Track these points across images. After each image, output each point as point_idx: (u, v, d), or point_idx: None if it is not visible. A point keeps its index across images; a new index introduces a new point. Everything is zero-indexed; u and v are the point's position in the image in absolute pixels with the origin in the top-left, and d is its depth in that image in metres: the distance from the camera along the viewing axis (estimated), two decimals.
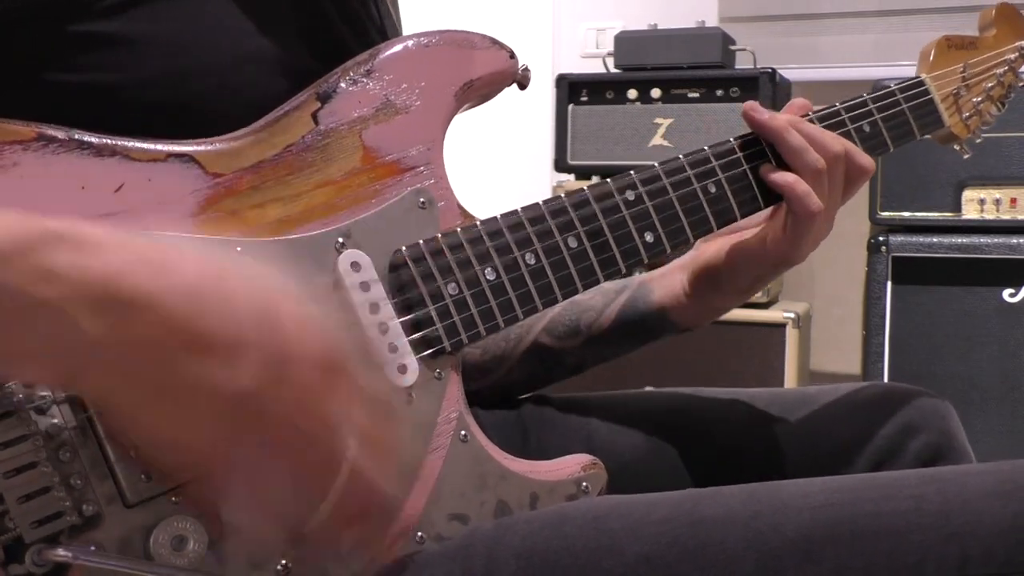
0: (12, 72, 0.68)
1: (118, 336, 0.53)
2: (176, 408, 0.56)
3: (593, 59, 2.79)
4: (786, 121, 0.90)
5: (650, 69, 2.39)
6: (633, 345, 1.01)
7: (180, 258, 0.57)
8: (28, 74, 0.68)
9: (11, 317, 0.51)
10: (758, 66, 2.36)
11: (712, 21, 2.69)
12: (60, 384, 0.58)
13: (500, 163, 2.94)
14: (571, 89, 2.42)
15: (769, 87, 2.26)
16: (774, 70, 2.28)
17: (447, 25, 0.82)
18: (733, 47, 2.43)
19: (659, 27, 2.51)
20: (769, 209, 0.92)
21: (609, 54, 2.48)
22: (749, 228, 0.93)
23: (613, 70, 2.46)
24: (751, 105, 0.91)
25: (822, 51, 2.72)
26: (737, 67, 2.44)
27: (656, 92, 2.36)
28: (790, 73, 2.48)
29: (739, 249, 0.93)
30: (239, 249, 0.67)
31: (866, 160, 0.92)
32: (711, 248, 0.94)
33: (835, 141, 0.90)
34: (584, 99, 2.41)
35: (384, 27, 0.90)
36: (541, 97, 2.72)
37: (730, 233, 0.94)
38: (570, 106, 2.42)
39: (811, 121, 0.93)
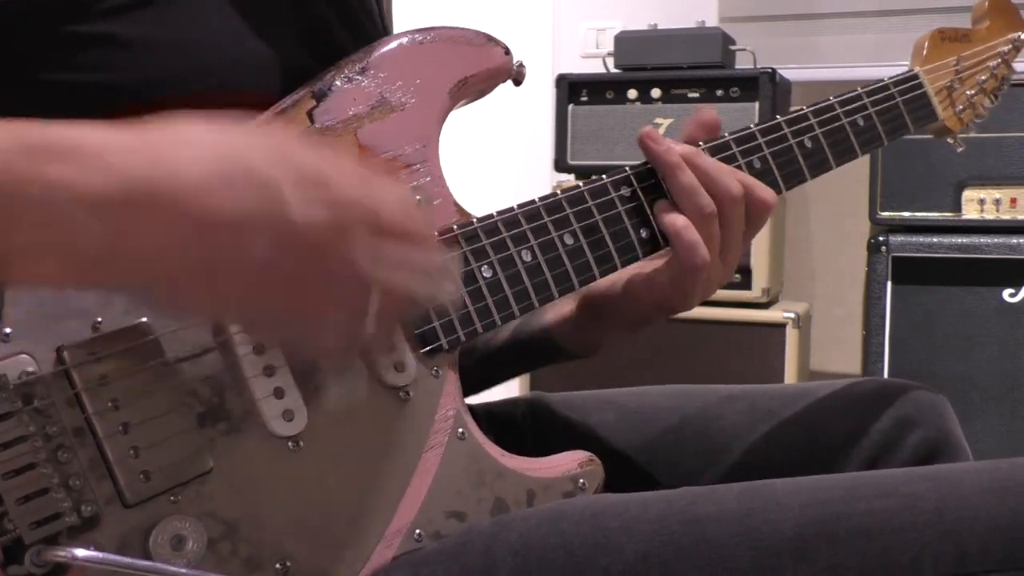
0: (11, 72, 0.68)
1: (128, 232, 0.54)
2: (209, 281, 0.57)
3: (593, 59, 2.78)
4: (680, 156, 0.83)
5: (650, 69, 2.39)
6: (524, 367, 0.99)
7: (183, 149, 0.57)
8: (27, 74, 0.68)
9: (28, 218, 0.52)
10: (758, 66, 2.36)
11: (712, 21, 2.68)
12: (85, 283, 0.59)
13: (500, 163, 2.94)
14: (571, 89, 2.41)
15: (769, 87, 2.26)
16: (774, 70, 2.28)
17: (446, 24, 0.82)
18: (733, 47, 2.43)
19: (659, 27, 2.51)
20: None
21: (609, 54, 2.47)
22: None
23: (613, 70, 2.46)
24: (647, 133, 0.84)
25: (822, 51, 2.71)
26: (737, 67, 2.43)
27: (656, 92, 2.35)
28: (790, 73, 2.48)
29: (628, 285, 0.88)
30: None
31: (767, 194, 0.86)
32: (607, 278, 0.89)
33: (732, 180, 0.84)
34: (584, 99, 2.41)
35: (387, 28, 0.90)
36: (541, 97, 2.72)
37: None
38: (570, 106, 2.42)
39: (726, 145, 0.88)
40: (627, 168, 0.85)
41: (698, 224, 0.82)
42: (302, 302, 0.59)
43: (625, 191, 0.84)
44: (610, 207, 0.83)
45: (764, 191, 0.86)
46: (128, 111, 0.69)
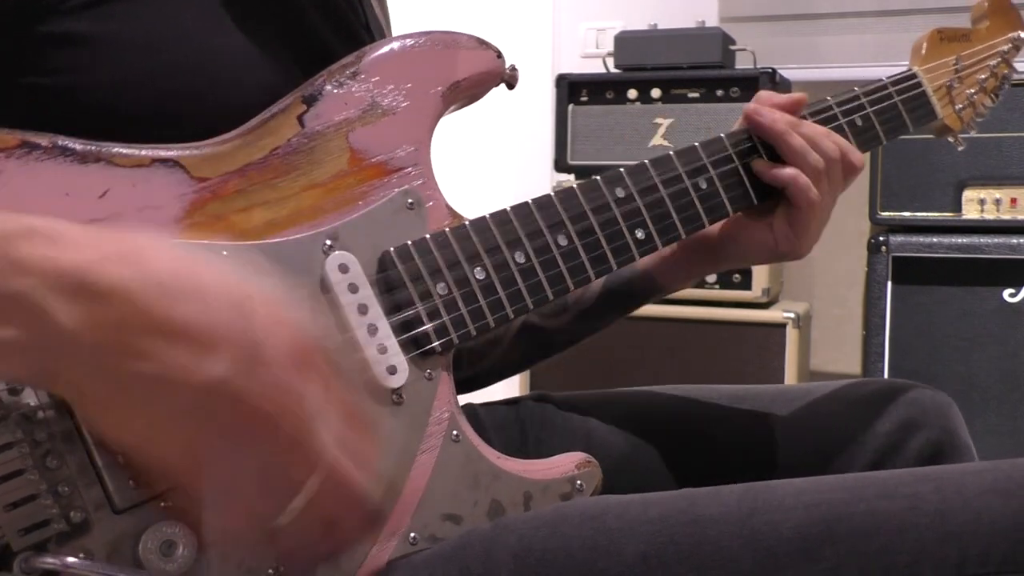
0: None
1: (90, 324, 0.53)
2: (148, 400, 0.56)
3: (593, 59, 2.78)
4: (787, 124, 0.92)
5: (650, 69, 2.38)
6: (620, 312, 1.03)
7: (155, 253, 0.57)
8: (2, 78, 0.68)
9: None
10: (758, 66, 2.35)
11: (712, 21, 2.68)
12: (36, 379, 0.57)
13: (500, 163, 2.94)
14: (571, 89, 2.41)
15: (769, 87, 2.25)
16: (774, 70, 2.28)
17: (446, 26, 0.81)
18: (733, 47, 2.43)
19: (659, 27, 2.51)
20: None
21: (609, 54, 2.47)
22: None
23: (613, 70, 2.45)
24: (755, 109, 0.93)
25: (822, 51, 2.71)
26: (737, 67, 2.43)
27: (656, 92, 2.35)
28: (790, 73, 2.48)
29: (745, 232, 0.95)
30: (224, 254, 0.67)
31: (858, 157, 0.95)
32: (716, 224, 0.96)
33: (831, 143, 0.93)
34: (584, 99, 2.40)
35: (370, 26, 0.89)
36: (541, 97, 2.72)
37: None
38: (570, 106, 2.41)
39: (805, 118, 0.95)
40: (621, 169, 0.86)
41: (810, 177, 0.91)
42: (237, 448, 0.57)
43: (619, 192, 0.85)
44: (604, 209, 0.84)
45: (855, 154, 0.95)
46: (103, 113, 0.69)
